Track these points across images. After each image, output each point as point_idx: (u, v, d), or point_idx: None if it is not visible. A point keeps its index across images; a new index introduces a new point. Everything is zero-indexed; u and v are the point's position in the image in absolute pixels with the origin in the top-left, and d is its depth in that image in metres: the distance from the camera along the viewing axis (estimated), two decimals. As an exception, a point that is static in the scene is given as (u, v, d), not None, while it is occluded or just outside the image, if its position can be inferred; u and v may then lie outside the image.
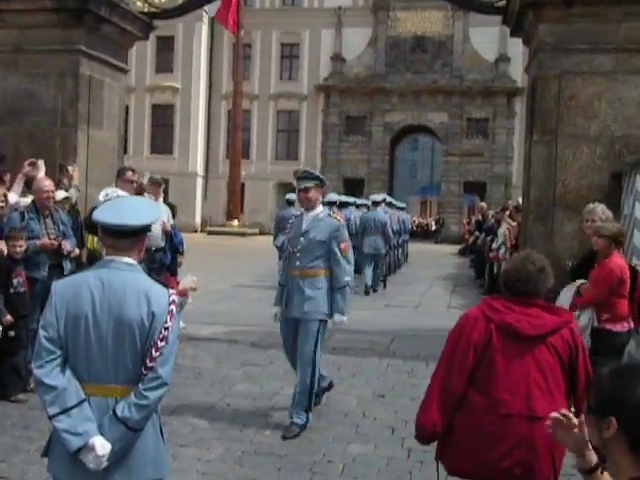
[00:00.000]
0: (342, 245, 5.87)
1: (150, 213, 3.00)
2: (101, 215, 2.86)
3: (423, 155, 51.97)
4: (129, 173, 8.18)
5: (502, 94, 38.99)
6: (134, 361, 2.79)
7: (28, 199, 7.17)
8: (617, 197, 7.87)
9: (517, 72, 36.16)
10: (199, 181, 42.65)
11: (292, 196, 13.61)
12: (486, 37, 37.80)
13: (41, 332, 2.81)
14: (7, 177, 7.71)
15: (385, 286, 16.03)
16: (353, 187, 37.92)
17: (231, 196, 37.94)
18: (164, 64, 42.05)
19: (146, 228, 2.95)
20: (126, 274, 2.85)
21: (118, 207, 2.91)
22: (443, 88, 39.55)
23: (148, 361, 2.76)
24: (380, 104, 40.16)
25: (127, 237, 2.85)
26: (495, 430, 3.17)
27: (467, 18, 38.24)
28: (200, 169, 42.55)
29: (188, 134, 41.95)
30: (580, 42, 8.15)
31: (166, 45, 40.93)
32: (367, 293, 14.67)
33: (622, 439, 1.82)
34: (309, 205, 5.99)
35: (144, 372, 2.77)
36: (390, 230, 15.75)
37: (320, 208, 6.08)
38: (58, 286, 2.92)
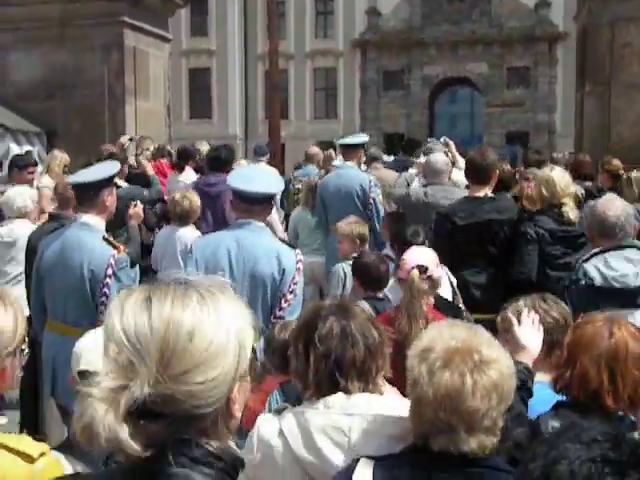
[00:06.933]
0: None
1: (278, 183, 3.47)
2: (236, 182, 3.25)
3: (463, 107, 51.13)
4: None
5: (543, 41, 37.94)
6: (264, 312, 3.11)
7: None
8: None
9: (558, 17, 35.22)
10: (239, 143, 42.72)
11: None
12: (525, -18, 36.76)
13: None
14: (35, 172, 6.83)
15: None
16: (393, 142, 37.59)
17: (272, 157, 37.90)
18: (199, 27, 41.87)
19: (274, 196, 3.41)
20: (258, 235, 3.21)
21: (251, 176, 3.34)
22: (482, 38, 38.60)
23: (277, 310, 3.09)
24: (418, 57, 39.46)
25: (259, 203, 3.21)
26: None
27: (505, -37, 37.19)
28: (240, 131, 42.56)
29: (226, 97, 41.88)
30: (633, -13, 7.91)
31: (200, 8, 40.67)
32: None
33: None
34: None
35: (272, 321, 3.04)
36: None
37: None
38: (198, 244, 3.32)
